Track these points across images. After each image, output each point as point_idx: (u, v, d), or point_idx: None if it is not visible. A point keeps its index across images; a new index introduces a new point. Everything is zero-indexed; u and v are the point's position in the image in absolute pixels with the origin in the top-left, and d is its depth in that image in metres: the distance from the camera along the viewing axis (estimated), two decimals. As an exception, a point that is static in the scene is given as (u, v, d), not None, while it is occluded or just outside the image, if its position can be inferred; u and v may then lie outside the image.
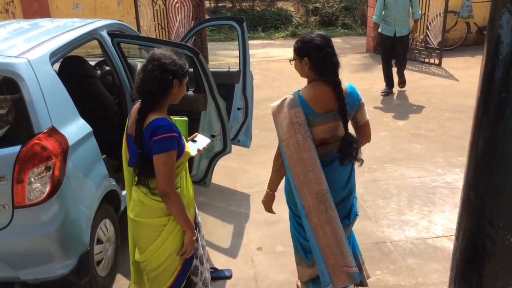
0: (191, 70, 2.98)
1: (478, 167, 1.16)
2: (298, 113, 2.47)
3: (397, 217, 4.06)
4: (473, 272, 1.19)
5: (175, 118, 2.57)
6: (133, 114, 2.37)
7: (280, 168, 2.69)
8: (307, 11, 15.24)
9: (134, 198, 2.47)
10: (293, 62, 2.62)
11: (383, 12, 7.09)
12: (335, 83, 2.49)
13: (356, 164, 2.64)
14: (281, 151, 2.57)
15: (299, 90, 2.55)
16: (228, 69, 4.65)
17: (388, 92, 7.36)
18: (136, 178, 2.39)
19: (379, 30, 7.23)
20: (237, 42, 4.51)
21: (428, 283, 3.28)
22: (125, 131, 2.48)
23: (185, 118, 2.61)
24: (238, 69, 4.56)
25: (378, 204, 4.29)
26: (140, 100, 2.34)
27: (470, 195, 1.19)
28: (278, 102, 2.55)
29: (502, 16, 1.04)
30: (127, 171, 2.57)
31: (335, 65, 2.50)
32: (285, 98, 2.53)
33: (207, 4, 16.60)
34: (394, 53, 7.26)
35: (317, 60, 2.49)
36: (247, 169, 5.12)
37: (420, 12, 7.27)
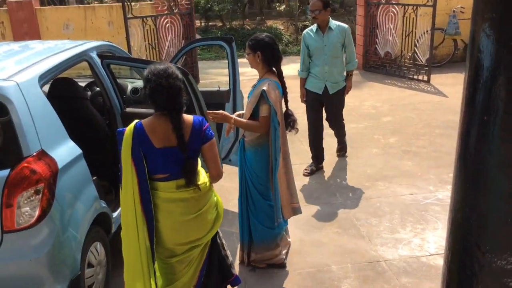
0: None
1: (463, 190, 1.16)
2: (278, 94, 3.39)
3: (390, 236, 4.05)
4: (463, 294, 1.19)
5: None
6: (157, 129, 2.52)
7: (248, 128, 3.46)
8: (296, 29, 15.40)
9: (185, 199, 2.64)
10: (248, 56, 3.39)
11: (308, 62, 5.21)
12: (279, 73, 3.46)
13: (293, 132, 3.59)
14: (276, 125, 3.33)
15: (270, 78, 3.38)
16: (218, 88, 4.66)
17: (313, 170, 5.36)
18: (184, 183, 2.59)
19: (305, 85, 5.28)
20: (227, 61, 4.54)
21: (422, 301, 3.26)
22: (129, 154, 2.54)
23: None
24: (228, 88, 4.58)
25: (371, 222, 4.29)
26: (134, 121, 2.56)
27: (457, 217, 1.19)
28: (266, 84, 3.30)
29: (481, 40, 1.05)
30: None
31: (280, 58, 3.42)
32: (269, 83, 3.32)
33: (197, 23, 16.73)
34: (328, 115, 5.44)
35: (267, 54, 3.35)
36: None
37: (356, 60, 5.28)
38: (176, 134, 2.50)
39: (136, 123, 2.56)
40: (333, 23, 5.11)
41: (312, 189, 5.00)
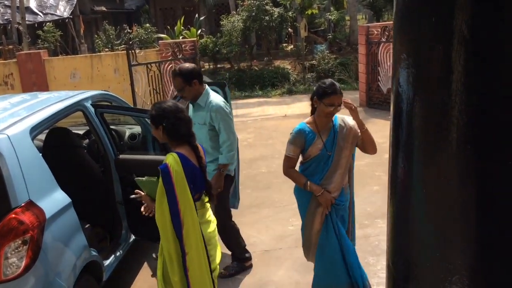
0: None
1: (393, 234, 1.18)
2: None
3: (387, 275, 3.98)
4: None
5: (142, 179, 2.81)
6: (189, 154, 2.82)
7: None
8: (303, 68, 15.62)
9: (208, 216, 3.01)
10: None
11: None
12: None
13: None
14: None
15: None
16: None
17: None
18: (206, 199, 2.98)
19: None
20: (231, 103, 4.62)
21: None
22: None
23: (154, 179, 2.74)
24: (223, 132, 4.63)
25: (369, 261, 4.22)
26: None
27: (389, 261, 1.20)
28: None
29: (400, 74, 1.10)
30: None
31: None
32: None
33: (206, 66, 17.12)
34: None
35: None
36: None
37: (231, 153, 3.86)
38: (197, 156, 2.86)
39: (174, 153, 2.75)
40: (205, 98, 3.87)
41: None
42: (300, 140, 3.28)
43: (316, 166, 3.32)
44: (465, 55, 0.98)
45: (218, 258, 3.05)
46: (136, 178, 3.03)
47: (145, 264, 4.44)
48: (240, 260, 4.28)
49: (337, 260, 3.31)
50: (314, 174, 3.33)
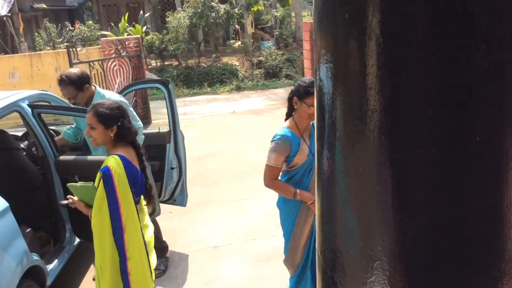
0: None
1: (321, 225, 1.22)
2: None
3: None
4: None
5: (76, 184, 2.73)
6: (132, 157, 2.76)
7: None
8: (251, 64, 15.69)
9: (147, 221, 2.97)
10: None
11: None
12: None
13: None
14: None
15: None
16: (158, 130, 4.69)
17: None
18: (144, 203, 2.96)
19: None
20: (175, 101, 4.58)
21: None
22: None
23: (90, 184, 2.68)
24: (168, 130, 4.60)
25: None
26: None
27: (318, 251, 1.24)
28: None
29: (320, 68, 1.14)
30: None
31: None
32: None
33: (153, 63, 16.86)
34: None
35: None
36: (186, 227, 5.06)
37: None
38: (139, 159, 2.83)
39: (116, 156, 2.65)
40: (99, 98, 3.72)
41: (258, 223, 5.01)
42: (284, 148, 2.91)
43: (303, 173, 3.01)
44: (376, 50, 1.03)
45: (155, 263, 3.01)
46: (68, 184, 2.89)
47: (92, 266, 4.35)
48: (161, 250, 4.29)
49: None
50: (300, 182, 3.01)
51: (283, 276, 3.98)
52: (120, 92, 4.91)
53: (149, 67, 16.05)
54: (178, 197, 4.75)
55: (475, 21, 0.99)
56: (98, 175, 2.62)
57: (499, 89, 1.02)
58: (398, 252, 1.06)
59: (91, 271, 4.27)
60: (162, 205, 4.71)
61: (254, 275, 4.07)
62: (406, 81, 1.01)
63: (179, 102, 11.84)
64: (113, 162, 2.61)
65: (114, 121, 2.69)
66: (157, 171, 4.40)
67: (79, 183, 2.82)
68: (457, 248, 1.06)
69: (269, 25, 19.55)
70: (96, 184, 2.64)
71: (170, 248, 4.63)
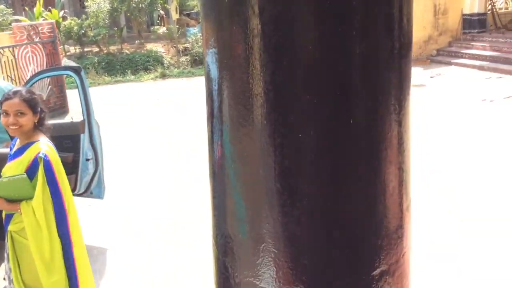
0: None
1: (213, 210, 1.23)
2: None
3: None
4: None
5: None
6: None
7: None
8: (177, 51, 15.43)
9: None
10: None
11: None
12: None
13: None
14: None
15: None
16: (71, 120, 4.49)
17: None
18: None
19: None
20: (88, 89, 4.39)
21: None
22: None
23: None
24: (82, 119, 4.42)
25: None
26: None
27: (212, 241, 1.25)
28: None
29: (207, 55, 1.14)
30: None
31: None
32: None
33: (71, 49, 16.09)
34: None
35: None
36: (106, 221, 4.91)
37: None
38: None
39: (48, 142, 2.56)
40: None
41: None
42: None
43: None
44: (257, 35, 1.03)
45: None
46: None
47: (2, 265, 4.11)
48: None
49: None
50: None
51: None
52: (27, 82, 4.64)
53: (68, 53, 15.30)
54: (95, 190, 4.58)
55: (351, 8, 1.02)
56: (25, 164, 2.48)
57: (372, 75, 1.06)
58: (282, 234, 1.09)
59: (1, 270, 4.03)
60: (78, 199, 4.54)
61: (176, 263, 4.04)
62: (287, 67, 1.03)
63: (99, 91, 11.43)
64: (47, 148, 2.50)
65: (38, 106, 2.58)
66: (71, 162, 4.23)
67: (5, 178, 2.54)
68: (338, 227, 1.10)
69: (195, 11, 19.28)
70: (23, 171, 2.49)
71: (88, 242, 4.47)
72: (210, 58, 1.14)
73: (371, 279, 1.11)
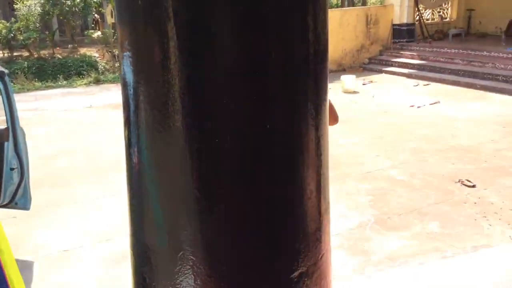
0: None
1: (131, 219, 1.20)
2: None
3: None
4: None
5: None
6: None
7: None
8: (113, 56, 15.01)
9: None
10: None
11: None
12: None
13: None
14: None
15: None
16: (-6, 128, 4.24)
17: None
18: None
19: None
20: (13, 94, 4.16)
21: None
22: None
23: None
24: (6, 126, 4.18)
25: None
26: None
27: (130, 251, 1.21)
28: None
29: (123, 59, 1.11)
30: None
31: None
32: None
33: (0, 54, 15.27)
34: None
35: None
36: (32, 232, 4.66)
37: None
38: None
39: None
40: None
41: (113, 222, 4.82)
42: None
43: None
44: (172, 38, 1.01)
45: None
46: None
47: None
48: None
49: None
50: None
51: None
52: None
53: (-5, 58, 14.51)
54: (20, 200, 4.35)
55: (266, 14, 1.02)
56: None
57: (288, 80, 1.07)
58: (200, 241, 1.07)
59: None
60: (2, 210, 4.30)
61: (107, 277, 3.90)
62: (203, 71, 1.02)
63: (29, 97, 10.93)
64: None
65: None
66: (-6, 172, 3.99)
67: None
68: (256, 232, 1.10)
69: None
70: None
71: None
72: (125, 62, 1.11)
73: (290, 282, 1.12)
